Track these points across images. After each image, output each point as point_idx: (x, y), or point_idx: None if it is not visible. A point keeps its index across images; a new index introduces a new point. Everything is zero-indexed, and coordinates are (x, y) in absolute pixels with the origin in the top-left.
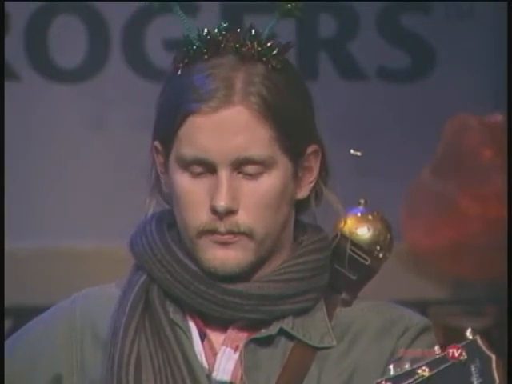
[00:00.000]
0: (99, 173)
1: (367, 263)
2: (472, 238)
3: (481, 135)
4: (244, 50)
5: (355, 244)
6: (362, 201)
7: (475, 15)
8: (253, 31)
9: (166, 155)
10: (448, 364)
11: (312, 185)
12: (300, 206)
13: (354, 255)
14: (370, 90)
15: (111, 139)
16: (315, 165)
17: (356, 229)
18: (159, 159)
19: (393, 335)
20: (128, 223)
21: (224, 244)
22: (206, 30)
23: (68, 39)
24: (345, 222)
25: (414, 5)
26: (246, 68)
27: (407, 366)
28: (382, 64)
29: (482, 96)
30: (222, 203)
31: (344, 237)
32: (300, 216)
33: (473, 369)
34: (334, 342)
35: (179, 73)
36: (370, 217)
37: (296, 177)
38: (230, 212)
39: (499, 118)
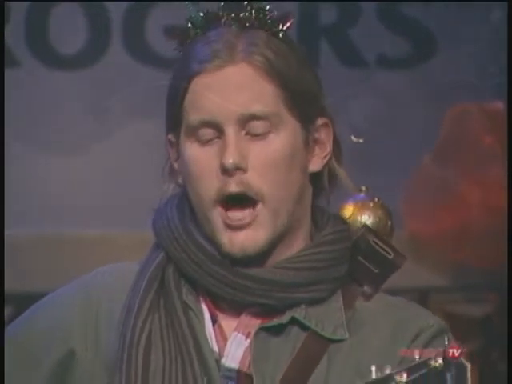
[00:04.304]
0: (100, 159)
1: (390, 257)
2: (472, 224)
3: (481, 123)
4: (244, 18)
5: (379, 237)
6: (364, 188)
7: (475, 3)
8: (252, 4)
9: (178, 140)
10: (425, 371)
11: (326, 160)
12: (314, 183)
13: (377, 248)
14: (370, 77)
15: (112, 125)
16: (327, 139)
17: (357, 216)
18: (172, 151)
19: (405, 339)
20: (130, 210)
21: (240, 227)
22: (205, 11)
23: (68, 26)
24: (346, 209)
25: None
26: (248, 34)
27: (387, 371)
28: (383, 51)
29: (483, 83)
30: (230, 160)
31: (368, 229)
32: (317, 198)
33: (448, 377)
34: (347, 335)
35: (183, 51)
36: (370, 204)
37: (307, 146)
38: (240, 170)
39: (500, 105)
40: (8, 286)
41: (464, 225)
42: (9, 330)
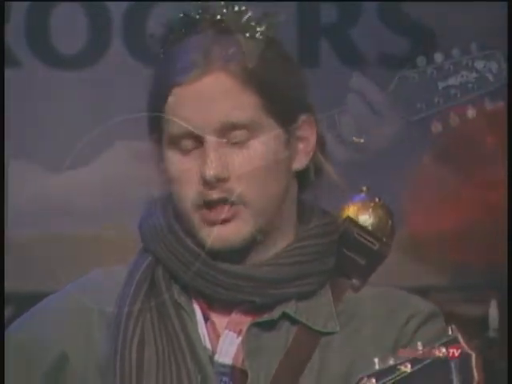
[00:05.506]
0: (100, 160)
1: (375, 248)
2: (473, 224)
3: (483, 122)
4: (221, 22)
5: (363, 228)
6: (364, 188)
7: (476, 2)
8: (229, 6)
9: (160, 144)
10: (429, 361)
11: (310, 156)
12: (300, 180)
13: (362, 240)
14: (371, 76)
15: (112, 126)
16: (311, 135)
17: (358, 216)
18: (156, 151)
19: (396, 325)
20: (127, 210)
21: (220, 221)
22: (182, 13)
23: (69, 26)
24: (347, 209)
25: None
26: (224, 38)
27: (391, 362)
28: (384, 51)
29: (483, 83)
30: (210, 172)
31: (352, 221)
32: (303, 193)
33: (453, 366)
34: (338, 328)
35: (161, 57)
36: (371, 204)
37: (289, 145)
38: (221, 180)
39: (500, 105)
40: (8, 285)
41: (464, 225)
42: (9, 330)
